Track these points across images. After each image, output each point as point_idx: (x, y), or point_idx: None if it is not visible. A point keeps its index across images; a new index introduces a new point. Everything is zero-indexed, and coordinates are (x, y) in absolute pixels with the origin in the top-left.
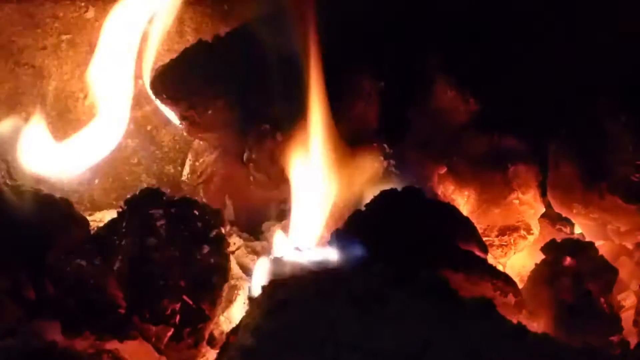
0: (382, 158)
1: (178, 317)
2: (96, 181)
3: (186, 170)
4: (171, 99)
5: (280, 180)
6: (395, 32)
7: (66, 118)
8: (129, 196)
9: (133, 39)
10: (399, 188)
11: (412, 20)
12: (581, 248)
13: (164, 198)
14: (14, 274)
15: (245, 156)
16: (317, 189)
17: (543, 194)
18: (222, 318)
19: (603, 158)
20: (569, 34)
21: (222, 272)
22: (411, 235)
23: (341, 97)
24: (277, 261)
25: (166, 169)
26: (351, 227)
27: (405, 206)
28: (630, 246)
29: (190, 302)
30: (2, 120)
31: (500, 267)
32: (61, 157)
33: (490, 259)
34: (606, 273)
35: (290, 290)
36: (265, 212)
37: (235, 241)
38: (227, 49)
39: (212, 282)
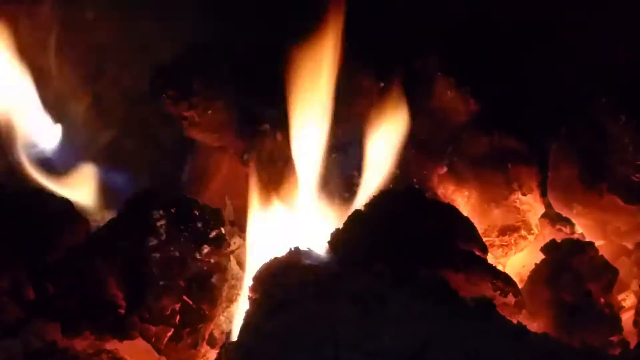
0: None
1: (178, 317)
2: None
3: (186, 170)
4: (171, 99)
5: (280, 179)
6: (396, 32)
7: (66, 118)
8: (129, 196)
9: None
10: (399, 188)
11: (412, 20)
12: (581, 248)
13: (164, 198)
14: (14, 274)
15: (245, 156)
16: (317, 189)
17: (543, 194)
18: (222, 318)
19: (603, 158)
20: (569, 34)
21: (222, 272)
22: (411, 235)
23: (341, 97)
24: (277, 261)
25: (166, 169)
26: (351, 226)
27: (405, 206)
28: (630, 246)
29: (190, 302)
30: (2, 121)
31: (500, 267)
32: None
33: (491, 259)
34: (606, 273)
35: (290, 290)
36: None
37: (235, 241)
38: (227, 49)
39: (212, 282)
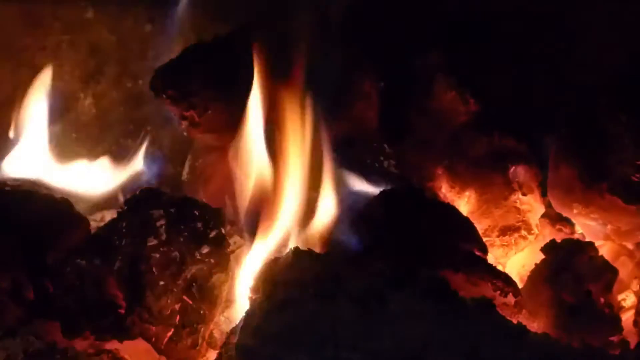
0: (382, 158)
1: (178, 317)
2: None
3: (186, 170)
4: (171, 99)
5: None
6: (395, 32)
7: (66, 118)
8: (129, 196)
9: None
10: (399, 188)
11: (412, 20)
12: (581, 248)
13: (164, 198)
14: (14, 274)
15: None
16: (317, 189)
17: (543, 194)
18: (222, 318)
19: (603, 158)
20: (569, 34)
21: (222, 272)
22: (411, 235)
23: (341, 97)
24: (277, 261)
25: (166, 169)
26: (351, 227)
27: (405, 206)
28: (630, 246)
29: (190, 302)
30: (2, 121)
31: (500, 267)
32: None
33: (491, 259)
34: (606, 273)
35: (290, 290)
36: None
37: (235, 241)
38: (227, 49)
39: (212, 282)
